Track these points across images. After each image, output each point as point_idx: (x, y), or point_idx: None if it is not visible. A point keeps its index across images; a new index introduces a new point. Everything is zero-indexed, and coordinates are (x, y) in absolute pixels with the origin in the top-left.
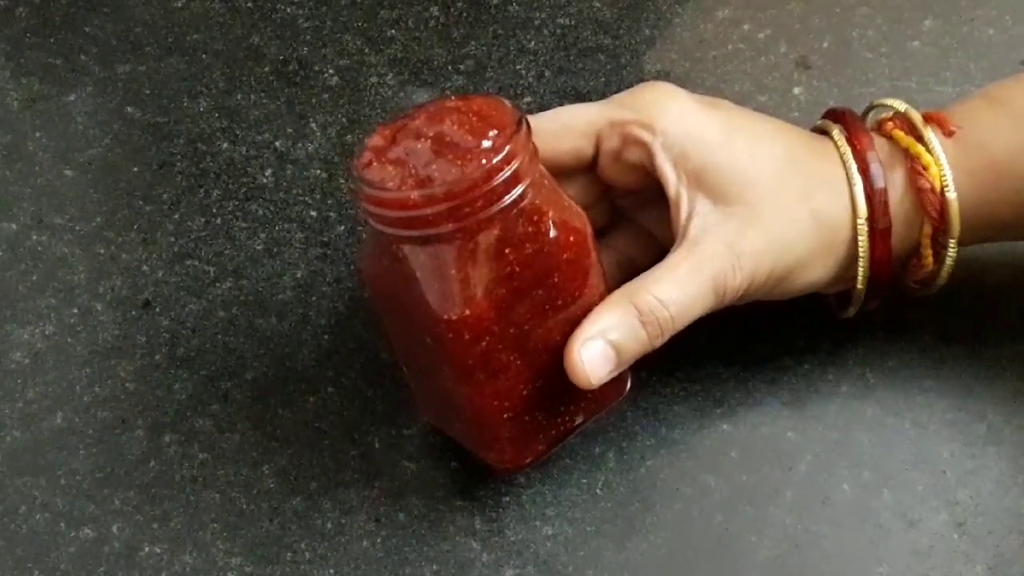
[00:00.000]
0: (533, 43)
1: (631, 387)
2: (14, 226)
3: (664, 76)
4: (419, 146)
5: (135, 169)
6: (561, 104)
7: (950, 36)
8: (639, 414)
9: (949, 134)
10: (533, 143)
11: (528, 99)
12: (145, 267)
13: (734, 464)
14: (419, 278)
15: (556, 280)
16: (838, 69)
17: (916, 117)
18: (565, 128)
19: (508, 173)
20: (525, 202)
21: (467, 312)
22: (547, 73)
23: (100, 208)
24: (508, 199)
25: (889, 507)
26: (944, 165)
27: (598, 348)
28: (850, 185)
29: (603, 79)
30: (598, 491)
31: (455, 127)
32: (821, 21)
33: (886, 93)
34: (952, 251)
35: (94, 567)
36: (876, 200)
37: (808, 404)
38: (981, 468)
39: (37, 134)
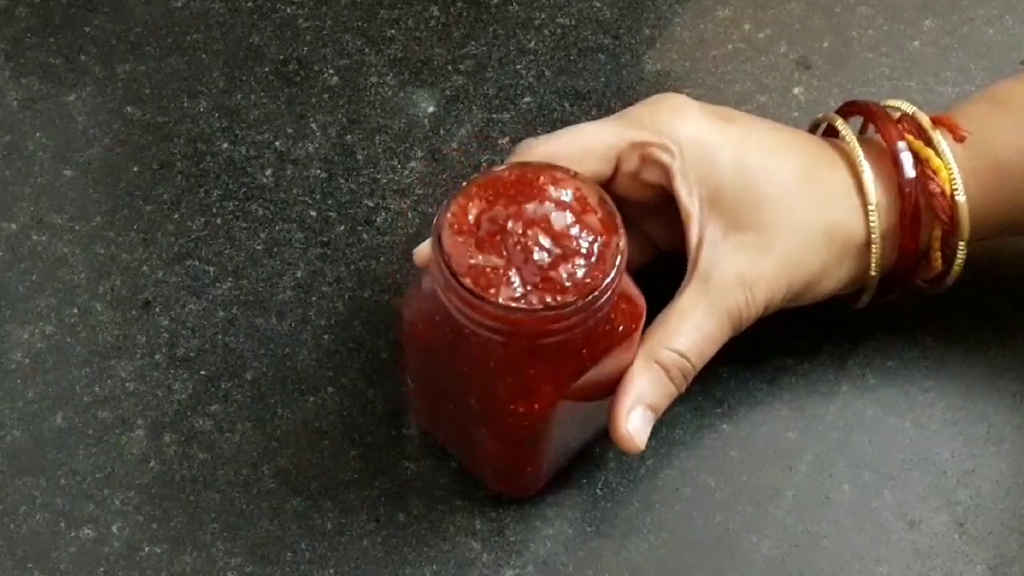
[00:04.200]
0: (533, 43)
1: None
2: (14, 226)
3: (664, 76)
4: (515, 244)
5: (135, 169)
6: (561, 105)
7: (950, 36)
8: None
9: (960, 139)
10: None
11: (528, 99)
12: (145, 267)
13: (734, 464)
14: (491, 367)
15: (611, 362)
16: (838, 69)
17: (925, 120)
18: (585, 152)
19: (611, 292)
20: (609, 306)
21: (536, 407)
22: (547, 73)
23: (100, 208)
24: (602, 312)
25: (890, 507)
26: (954, 169)
27: (639, 416)
28: (858, 174)
29: (603, 79)
30: (598, 491)
31: (551, 223)
32: (821, 21)
33: (886, 93)
34: (961, 253)
35: (94, 567)
36: (907, 190)
37: (808, 404)
38: (982, 468)
39: (37, 134)
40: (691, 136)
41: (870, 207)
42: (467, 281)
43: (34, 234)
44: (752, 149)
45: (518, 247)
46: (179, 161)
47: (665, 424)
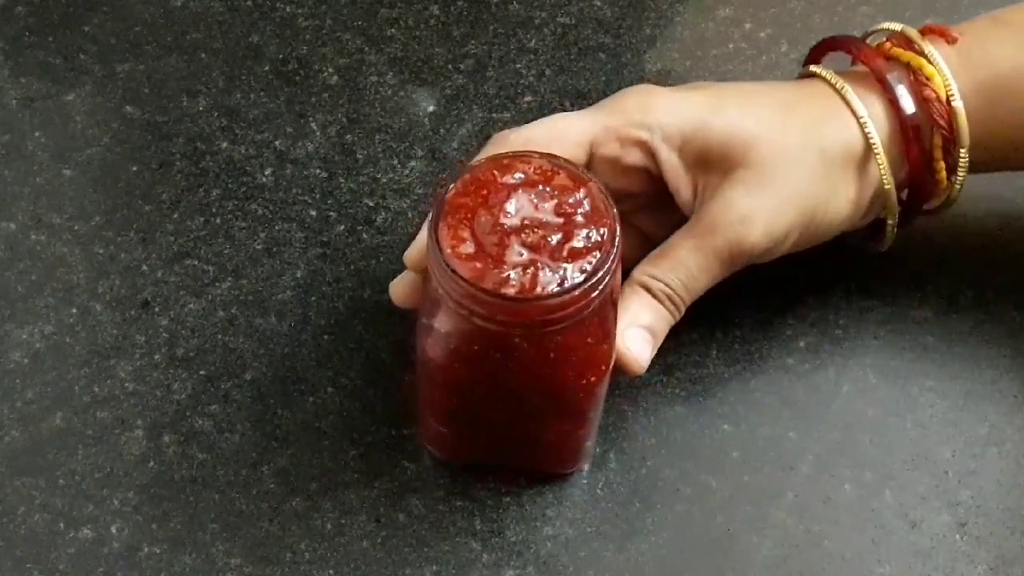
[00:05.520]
0: (533, 42)
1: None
2: (13, 226)
3: (665, 75)
4: (527, 237)
5: (134, 168)
6: (562, 104)
7: None
8: (639, 414)
9: (952, 41)
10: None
11: (528, 98)
12: (144, 267)
13: (735, 464)
14: (553, 359)
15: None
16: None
17: (913, 33)
18: (558, 138)
19: (619, 239)
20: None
21: (603, 368)
22: (547, 72)
23: (99, 207)
24: (620, 252)
25: (891, 507)
26: (947, 74)
27: (638, 335)
28: (840, 92)
29: (604, 78)
30: (598, 491)
31: (537, 203)
32: (822, 21)
33: None
34: (963, 162)
35: (93, 568)
36: (894, 96)
37: (809, 404)
38: (983, 468)
39: (36, 133)
40: (666, 108)
41: (862, 119)
42: (512, 292)
43: (33, 234)
44: (729, 101)
45: (531, 239)
46: (178, 161)
47: (665, 424)
